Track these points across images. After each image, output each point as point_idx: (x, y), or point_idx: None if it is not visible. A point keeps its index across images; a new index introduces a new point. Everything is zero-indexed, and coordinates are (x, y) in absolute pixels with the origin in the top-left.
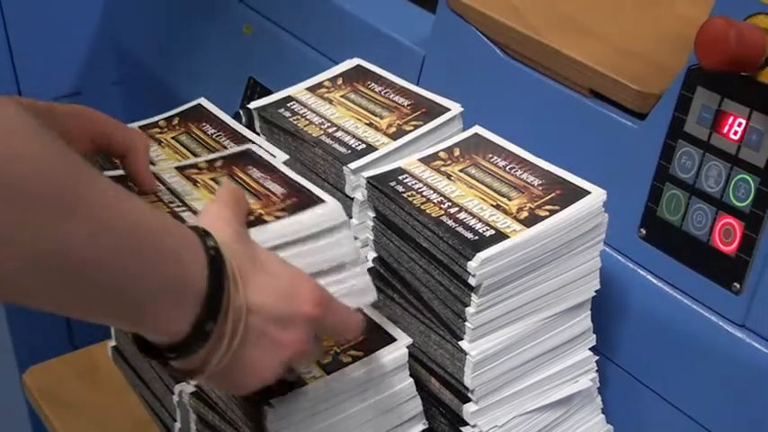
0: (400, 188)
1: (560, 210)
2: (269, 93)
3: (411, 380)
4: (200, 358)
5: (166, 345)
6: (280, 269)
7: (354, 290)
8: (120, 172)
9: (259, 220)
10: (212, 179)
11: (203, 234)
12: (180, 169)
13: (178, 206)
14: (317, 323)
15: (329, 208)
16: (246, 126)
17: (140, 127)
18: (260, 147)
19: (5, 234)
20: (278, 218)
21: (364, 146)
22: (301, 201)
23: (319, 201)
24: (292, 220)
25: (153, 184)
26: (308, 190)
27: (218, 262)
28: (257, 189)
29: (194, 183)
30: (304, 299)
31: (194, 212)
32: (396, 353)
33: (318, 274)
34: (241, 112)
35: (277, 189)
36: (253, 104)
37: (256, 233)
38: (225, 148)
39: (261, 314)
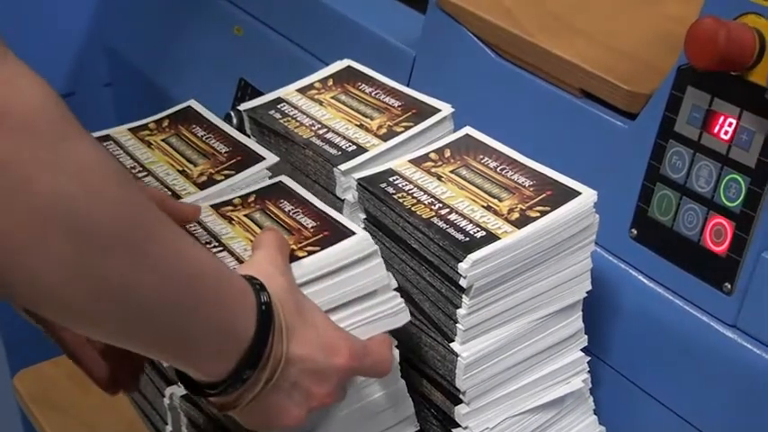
0: (391, 189)
1: (551, 211)
2: (260, 94)
3: (402, 382)
4: (234, 397)
5: (206, 382)
6: (322, 321)
7: (386, 314)
8: None
9: (292, 257)
10: (246, 215)
11: (258, 288)
12: (215, 207)
13: (215, 246)
14: (351, 373)
15: (358, 239)
16: (237, 128)
17: (130, 129)
18: (254, 151)
19: (77, 267)
20: (310, 253)
21: (355, 147)
22: (333, 234)
23: (350, 233)
24: (324, 255)
25: (194, 210)
26: (339, 222)
27: (267, 317)
28: (289, 224)
29: (230, 221)
30: (340, 352)
31: (231, 252)
32: None
33: (350, 304)
34: (232, 114)
35: (308, 222)
36: (243, 106)
37: (292, 269)
38: (215, 150)
39: (298, 366)
